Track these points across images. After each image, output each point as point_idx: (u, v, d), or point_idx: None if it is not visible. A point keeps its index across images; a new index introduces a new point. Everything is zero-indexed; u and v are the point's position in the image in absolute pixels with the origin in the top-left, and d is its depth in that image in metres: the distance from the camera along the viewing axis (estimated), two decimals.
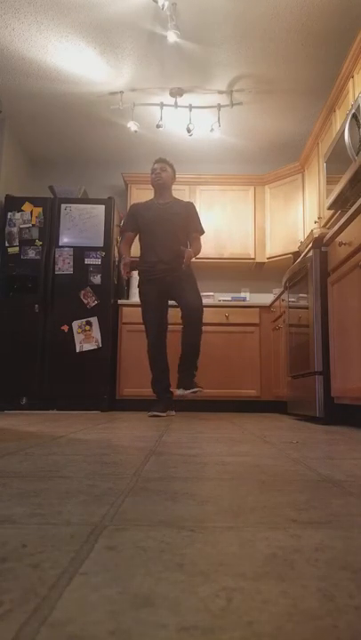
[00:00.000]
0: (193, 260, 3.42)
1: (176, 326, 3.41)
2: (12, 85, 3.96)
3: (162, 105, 4.14)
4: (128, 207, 4.79)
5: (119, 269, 4.55)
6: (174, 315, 3.47)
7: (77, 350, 4.06)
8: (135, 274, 4.55)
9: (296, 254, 4.33)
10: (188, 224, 3.44)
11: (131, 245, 3.55)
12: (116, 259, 4.43)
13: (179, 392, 3.26)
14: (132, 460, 1.13)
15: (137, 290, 4.51)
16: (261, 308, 4.34)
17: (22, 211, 4.25)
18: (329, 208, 3.34)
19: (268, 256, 4.74)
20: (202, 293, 4.52)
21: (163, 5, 2.96)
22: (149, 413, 3.17)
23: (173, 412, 3.29)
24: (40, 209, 4.25)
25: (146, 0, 3.05)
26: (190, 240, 3.45)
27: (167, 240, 3.34)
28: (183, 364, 3.27)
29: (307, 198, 4.44)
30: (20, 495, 0.73)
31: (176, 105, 4.09)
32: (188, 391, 3.12)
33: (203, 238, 3.55)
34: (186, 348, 3.27)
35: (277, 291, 4.23)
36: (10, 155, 4.58)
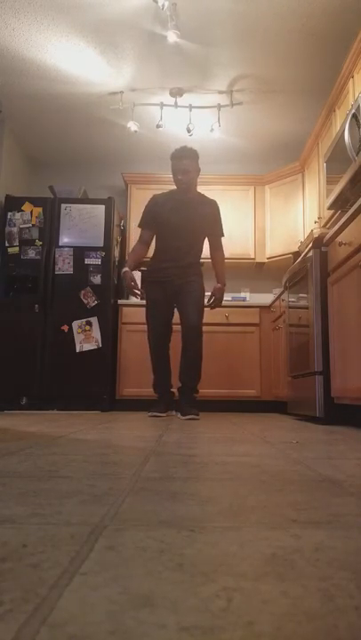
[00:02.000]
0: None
1: (177, 326, 3.36)
2: (12, 85, 3.96)
3: (162, 105, 4.14)
4: (128, 207, 4.81)
5: (118, 273, 4.54)
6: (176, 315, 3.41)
7: (77, 350, 4.06)
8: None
9: (296, 254, 4.33)
10: (211, 226, 3.24)
11: (147, 248, 3.23)
12: (116, 258, 4.43)
13: (173, 413, 3.23)
14: (132, 460, 1.13)
15: (137, 290, 4.50)
16: (261, 307, 4.34)
17: (22, 211, 4.25)
18: (329, 208, 3.34)
19: (268, 256, 4.74)
20: None
21: (163, 5, 2.96)
22: (149, 413, 3.17)
23: (174, 412, 3.25)
24: (40, 209, 4.25)
25: (146, 0, 3.05)
26: (212, 245, 3.27)
27: (187, 244, 3.15)
28: (182, 386, 3.14)
29: (307, 198, 4.44)
30: (20, 495, 0.73)
31: (176, 105, 4.09)
32: (184, 417, 2.96)
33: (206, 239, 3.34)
34: (183, 376, 3.12)
35: (277, 291, 4.23)
36: (10, 155, 4.58)
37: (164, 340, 3.23)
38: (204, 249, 3.32)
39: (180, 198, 3.19)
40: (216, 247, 3.30)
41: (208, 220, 3.22)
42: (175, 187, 3.22)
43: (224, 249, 4.66)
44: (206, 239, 3.31)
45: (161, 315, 3.21)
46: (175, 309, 3.24)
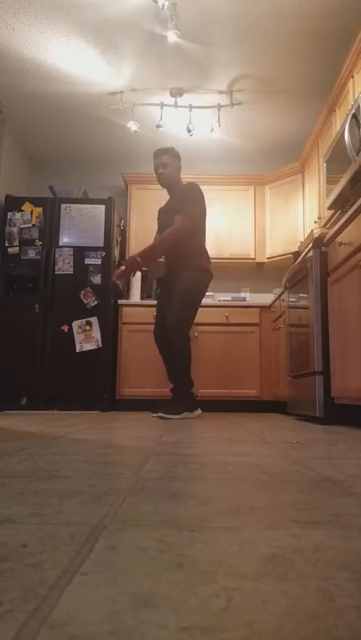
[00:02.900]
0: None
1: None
2: (12, 85, 3.96)
3: (162, 105, 4.14)
4: (128, 207, 4.82)
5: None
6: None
7: (77, 350, 4.06)
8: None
9: (296, 254, 4.33)
10: (179, 206, 3.09)
11: None
12: (116, 258, 4.43)
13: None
14: (132, 459, 1.13)
15: (137, 290, 4.55)
16: (261, 307, 4.34)
17: (22, 211, 4.25)
18: (329, 208, 3.34)
19: (268, 256, 4.74)
20: None
21: (163, 5, 2.96)
22: (153, 414, 3.14)
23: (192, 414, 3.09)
24: (40, 209, 4.25)
25: (146, 0, 3.05)
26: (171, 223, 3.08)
27: None
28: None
29: (307, 198, 4.44)
30: (20, 495, 0.73)
31: (176, 105, 4.09)
32: (190, 414, 2.97)
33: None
34: (169, 375, 3.13)
35: (277, 291, 4.23)
36: (10, 155, 4.58)
37: (161, 337, 3.19)
38: (207, 242, 3.30)
39: (168, 201, 3.29)
40: (172, 223, 3.06)
41: (179, 203, 3.12)
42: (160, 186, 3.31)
43: (224, 248, 4.70)
44: (196, 232, 3.19)
45: (159, 315, 3.24)
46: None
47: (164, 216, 3.25)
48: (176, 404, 3.03)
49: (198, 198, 3.13)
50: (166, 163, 3.18)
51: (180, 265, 3.11)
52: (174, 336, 3.02)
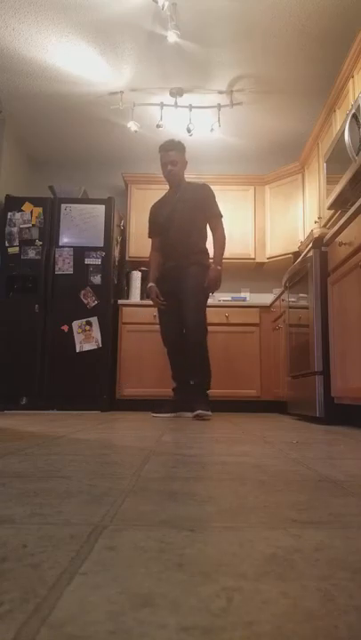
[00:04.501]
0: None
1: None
2: (12, 85, 3.96)
3: (162, 105, 4.14)
4: (128, 207, 4.81)
5: (119, 273, 4.55)
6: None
7: (77, 350, 4.06)
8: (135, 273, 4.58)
9: (296, 254, 4.33)
10: (204, 209, 3.18)
11: (161, 253, 3.33)
12: (116, 258, 4.44)
13: (187, 414, 3.13)
14: (133, 459, 1.13)
15: (137, 290, 4.53)
16: (261, 307, 4.34)
17: (22, 211, 4.25)
18: (329, 208, 3.34)
19: (268, 256, 4.74)
20: None
21: (163, 5, 2.96)
22: (153, 414, 3.14)
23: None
24: (40, 209, 4.25)
25: (146, 0, 3.05)
26: (211, 227, 3.21)
27: (178, 237, 3.14)
28: (192, 384, 3.12)
29: (307, 198, 4.43)
30: (20, 495, 0.73)
31: (176, 105, 4.09)
32: (192, 415, 2.94)
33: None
34: (189, 373, 3.13)
35: (277, 291, 4.23)
36: (10, 155, 4.58)
37: (175, 345, 3.21)
38: (207, 242, 3.27)
39: (171, 200, 3.24)
40: (214, 228, 3.20)
41: (200, 206, 3.18)
42: (166, 183, 3.32)
43: (224, 248, 4.68)
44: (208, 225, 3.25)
45: (169, 321, 3.20)
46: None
47: (176, 213, 3.18)
48: (205, 400, 3.03)
49: (215, 197, 3.24)
50: (175, 160, 3.20)
51: (192, 262, 3.12)
52: (198, 334, 3.06)
